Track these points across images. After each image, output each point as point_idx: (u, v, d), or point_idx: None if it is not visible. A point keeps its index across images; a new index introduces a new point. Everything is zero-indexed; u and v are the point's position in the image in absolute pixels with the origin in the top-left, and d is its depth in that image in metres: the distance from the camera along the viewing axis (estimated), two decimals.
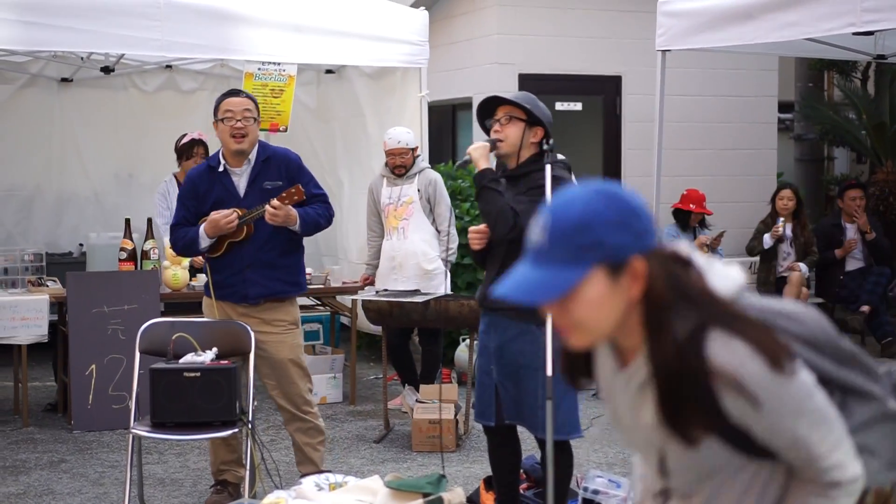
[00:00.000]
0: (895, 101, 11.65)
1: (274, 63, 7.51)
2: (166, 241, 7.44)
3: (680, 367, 1.95)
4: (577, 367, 2.24)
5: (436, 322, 6.84)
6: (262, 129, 7.76)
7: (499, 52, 9.66)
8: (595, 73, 9.93)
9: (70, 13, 6.56)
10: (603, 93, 10.04)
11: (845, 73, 12.15)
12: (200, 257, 5.76)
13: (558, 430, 4.55)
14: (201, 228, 5.26)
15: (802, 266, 9.76)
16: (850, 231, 10.12)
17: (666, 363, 1.97)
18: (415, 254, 7.37)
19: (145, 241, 7.35)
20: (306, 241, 5.59)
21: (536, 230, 1.99)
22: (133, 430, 5.03)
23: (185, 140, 7.83)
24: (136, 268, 7.24)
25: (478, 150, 4.62)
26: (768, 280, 9.89)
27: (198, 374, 4.96)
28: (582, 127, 9.90)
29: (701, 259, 2.06)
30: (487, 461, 5.13)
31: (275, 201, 5.14)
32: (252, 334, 5.21)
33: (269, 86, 7.60)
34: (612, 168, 10.06)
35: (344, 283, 7.95)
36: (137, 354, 5.26)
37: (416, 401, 6.78)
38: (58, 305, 7.22)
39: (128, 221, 7.33)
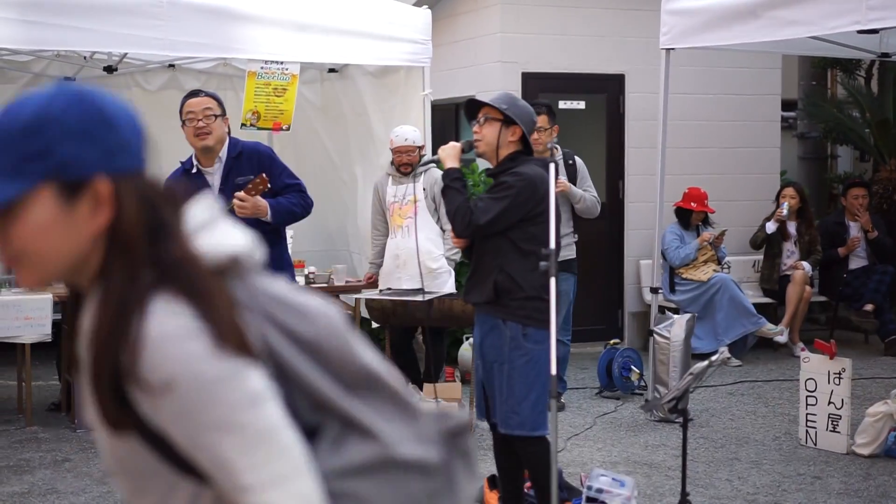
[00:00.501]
0: None
1: (277, 62, 7.51)
2: None
3: (108, 329, 1.50)
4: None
5: (439, 321, 6.84)
6: (265, 129, 7.82)
7: (502, 51, 9.65)
8: (598, 71, 9.92)
9: (73, 12, 6.56)
10: (606, 91, 10.03)
11: (849, 71, 12.13)
12: None
13: (519, 426, 4.62)
14: None
15: (806, 265, 9.75)
16: (854, 229, 10.11)
17: (101, 320, 1.52)
18: (419, 252, 7.36)
19: None
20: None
21: None
22: None
23: None
24: None
25: (446, 150, 4.77)
26: (771, 278, 9.89)
27: None
28: (585, 125, 9.89)
29: (204, 208, 1.64)
30: (491, 460, 5.14)
31: (241, 193, 5.15)
32: None
33: (272, 85, 7.59)
34: (615, 166, 10.05)
35: (347, 281, 7.95)
36: None
37: (420, 399, 6.77)
38: (61, 304, 7.22)
39: None
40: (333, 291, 7.85)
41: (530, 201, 4.53)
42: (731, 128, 10.40)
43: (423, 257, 7.37)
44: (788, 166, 11.83)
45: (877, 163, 11.82)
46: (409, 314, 6.78)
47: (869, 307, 9.76)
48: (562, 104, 9.62)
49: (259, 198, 5.19)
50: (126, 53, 8.14)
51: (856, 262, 10.09)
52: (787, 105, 11.64)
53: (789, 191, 9.87)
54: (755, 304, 9.43)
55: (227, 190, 5.30)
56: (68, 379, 7.21)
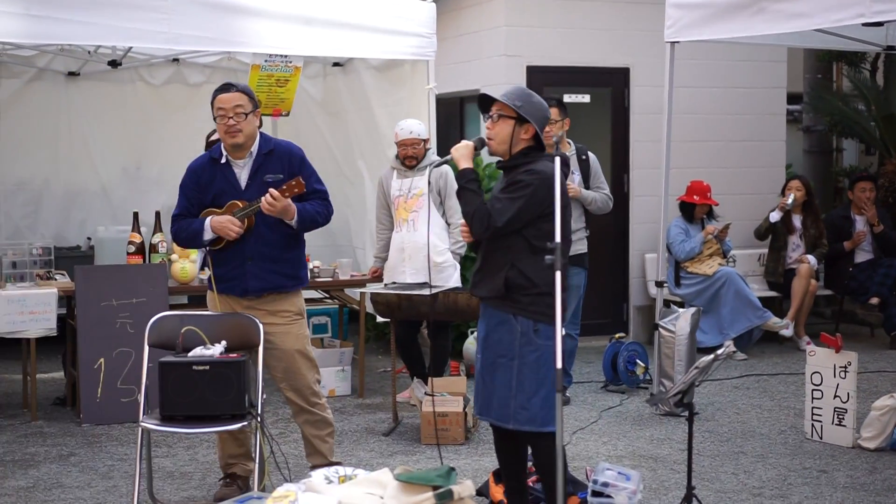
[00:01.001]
0: None
1: (281, 56, 7.50)
2: None
3: None
4: None
5: (444, 315, 6.83)
6: (265, 115, 7.80)
7: (506, 45, 9.63)
8: (603, 65, 9.90)
9: (77, 6, 6.55)
10: (611, 85, 10.01)
11: (854, 64, 12.10)
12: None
13: (529, 421, 4.60)
14: (207, 222, 5.25)
15: (811, 258, 9.74)
16: (860, 223, 10.10)
17: None
18: (425, 246, 7.37)
19: (153, 234, 7.35)
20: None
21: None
22: (142, 424, 5.03)
23: (211, 137, 7.89)
24: (144, 261, 7.24)
25: (460, 150, 4.71)
26: (776, 271, 9.88)
27: (207, 367, 4.95)
28: (590, 119, 9.86)
29: None
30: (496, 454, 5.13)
31: (274, 192, 5.11)
32: (261, 327, 5.21)
33: (274, 76, 7.60)
34: (620, 160, 10.03)
35: (352, 275, 7.94)
36: (146, 348, 5.26)
37: (425, 394, 6.77)
38: (66, 299, 7.23)
39: (136, 215, 7.33)
40: (338, 286, 7.85)
41: (546, 199, 4.51)
42: (737, 121, 10.38)
43: (429, 251, 7.38)
44: (794, 160, 11.81)
45: (882, 156, 11.79)
46: (414, 308, 6.77)
47: (874, 301, 9.75)
48: (567, 98, 9.58)
49: (290, 200, 5.17)
50: (130, 47, 8.14)
51: (861, 256, 10.07)
52: (792, 98, 11.61)
53: (795, 183, 9.86)
54: (760, 298, 9.41)
55: (253, 186, 5.28)
56: (73, 373, 7.21)
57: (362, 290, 7.71)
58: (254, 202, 5.20)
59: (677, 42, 7.40)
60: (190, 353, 5.06)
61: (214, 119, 5.29)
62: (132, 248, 7.22)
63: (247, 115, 5.23)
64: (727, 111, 10.33)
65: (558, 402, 4.11)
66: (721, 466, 6.10)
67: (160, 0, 6.74)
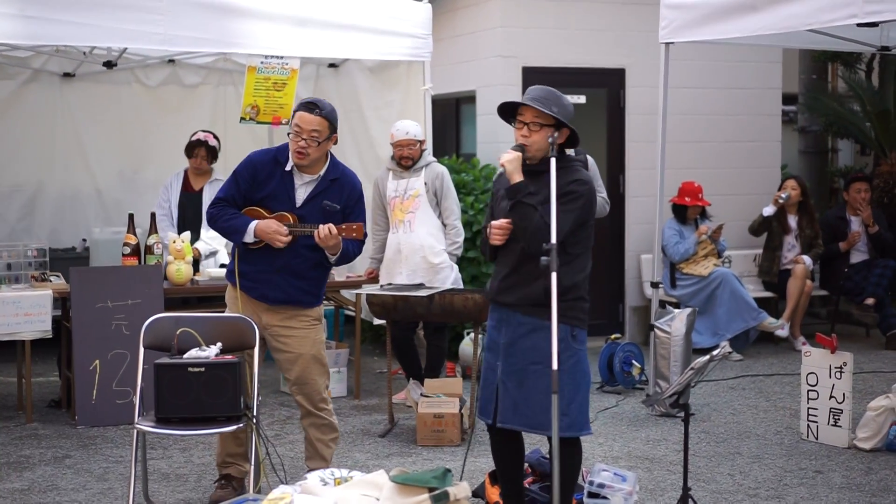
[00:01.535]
0: None
1: (277, 57, 7.49)
2: (170, 234, 7.44)
3: None
4: None
5: (440, 316, 6.82)
6: (264, 123, 7.81)
7: (502, 46, 9.63)
8: (599, 65, 9.91)
9: (72, 7, 6.55)
10: (606, 85, 10.02)
11: (849, 65, 12.10)
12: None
13: (569, 427, 4.54)
14: (252, 226, 5.22)
15: (806, 258, 9.75)
16: (855, 224, 10.11)
17: None
18: (421, 247, 7.37)
19: (149, 236, 7.34)
20: None
21: None
22: (137, 426, 5.02)
23: (192, 138, 7.90)
24: (139, 263, 7.23)
25: (512, 164, 4.56)
26: (771, 270, 9.89)
27: (202, 369, 4.94)
28: (586, 120, 9.84)
29: None
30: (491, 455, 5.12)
31: (333, 227, 5.10)
32: (256, 329, 5.19)
33: (271, 80, 7.58)
34: (615, 161, 10.04)
35: (348, 276, 7.94)
36: (142, 349, 5.25)
37: (421, 395, 6.77)
38: (61, 301, 7.21)
39: (131, 216, 7.32)
40: (334, 287, 7.84)
41: (592, 208, 4.52)
42: (732, 122, 10.39)
43: (425, 252, 7.38)
44: (789, 160, 11.82)
45: (878, 157, 11.80)
46: (410, 309, 6.77)
47: (870, 301, 9.76)
48: None
49: (341, 240, 5.18)
50: (126, 48, 8.12)
51: (857, 257, 10.08)
52: (787, 99, 11.63)
53: (790, 183, 9.88)
54: (756, 299, 9.42)
55: (309, 206, 5.26)
56: (68, 375, 7.20)
57: (358, 291, 7.71)
58: (309, 226, 5.16)
59: (672, 43, 7.41)
60: (185, 355, 5.05)
61: (288, 134, 5.25)
62: (127, 250, 7.21)
63: (320, 142, 5.19)
64: (723, 112, 10.34)
65: (554, 403, 4.11)
66: (717, 467, 6.10)
67: (155, 1, 6.73)
